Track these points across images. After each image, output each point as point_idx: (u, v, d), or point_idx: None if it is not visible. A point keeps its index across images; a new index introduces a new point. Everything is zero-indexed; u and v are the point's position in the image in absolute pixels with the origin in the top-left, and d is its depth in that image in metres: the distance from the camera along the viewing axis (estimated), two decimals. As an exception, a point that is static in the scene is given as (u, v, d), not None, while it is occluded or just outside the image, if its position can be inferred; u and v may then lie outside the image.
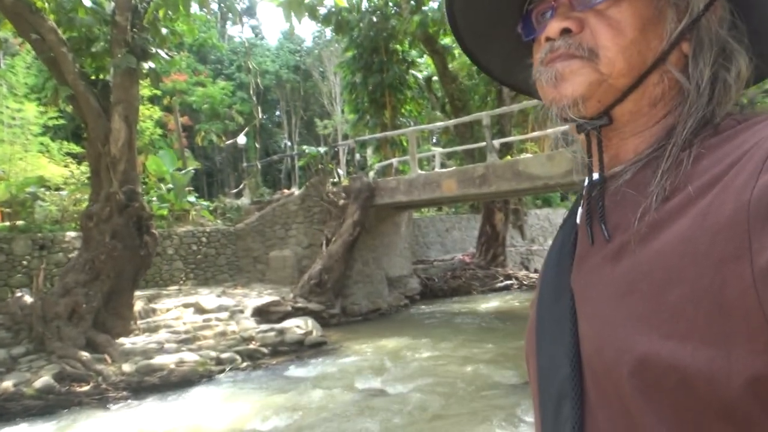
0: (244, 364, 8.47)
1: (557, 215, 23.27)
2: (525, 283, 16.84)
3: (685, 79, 0.58)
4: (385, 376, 7.70)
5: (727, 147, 0.52)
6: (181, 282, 12.91)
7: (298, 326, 10.03)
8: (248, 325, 9.62)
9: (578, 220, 0.67)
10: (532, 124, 21.32)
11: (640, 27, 0.58)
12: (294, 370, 8.31)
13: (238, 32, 44.24)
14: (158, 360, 7.72)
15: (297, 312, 11.00)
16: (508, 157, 13.51)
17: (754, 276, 0.42)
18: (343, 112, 28.98)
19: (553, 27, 0.61)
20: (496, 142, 12.68)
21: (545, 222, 22.52)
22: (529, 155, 13.46)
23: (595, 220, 0.61)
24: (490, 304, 14.10)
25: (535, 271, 18.90)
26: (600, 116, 0.61)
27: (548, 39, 0.63)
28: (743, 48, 0.58)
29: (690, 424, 0.47)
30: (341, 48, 22.34)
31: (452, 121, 14.80)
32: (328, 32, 30.14)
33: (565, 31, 0.61)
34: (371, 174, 15.53)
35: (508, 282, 16.65)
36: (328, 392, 7.06)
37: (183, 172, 15.15)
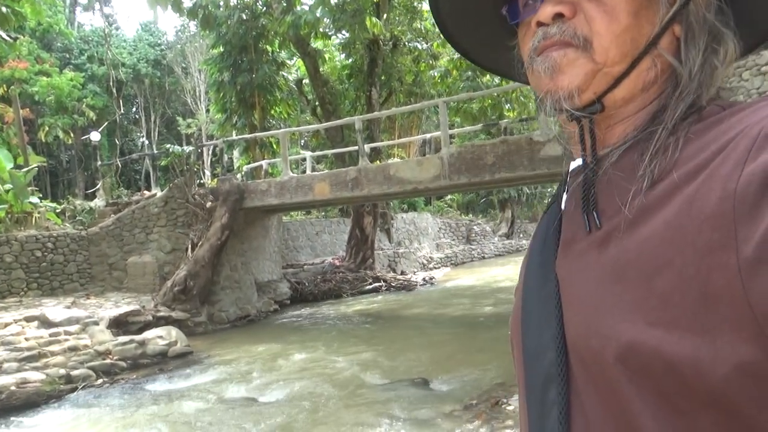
0: (100, 380, 7.76)
1: (422, 219, 24.18)
2: (393, 284, 17.26)
3: (678, 62, 0.58)
4: (256, 384, 7.47)
5: (713, 133, 0.52)
6: (22, 293, 11.52)
7: (160, 337, 9.40)
8: (104, 337, 8.81)
9: (563, 206, 0.66)
10: (399, 130, 22.01)
11: (634, 12, 0.57)
12: (157, 384, 7.76)
13: (90, 20, 40.71)
14: (-5, 381, 6.82)
15: (159, 321, 10.31)
16: (378, 162, 13.79)
17: (739, 265, 0.43)
18: (208, 111, 27.80)
19: (546, 11, 0.59)
20: (367, 147, 12.87)
21: (411, 225, 23.26)
22: (398, 160, 13.84)
23: (578, 206, 0.61)
24: (360, 306, 14.27)
25: (402, 273, 19.47)
26: (593, 104, 0.60)
27: (540, 24, 0.61)
28: (730, 31, 0.58)
29: (676, 410, 0.47)
30: (207, 44, 21.43)
31: (324, 124, 14.79)
32: (193, 26, 28.76)
33: (558, 16, 0.59)
34: (239, 176, 15.03)
35: (377, 284, 16.96)
36: (197, 405, 6.69)
37: (25, 170, 13.56)
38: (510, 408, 5.80)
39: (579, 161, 0.65)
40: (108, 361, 8.23)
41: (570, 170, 0.68)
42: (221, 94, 18.14)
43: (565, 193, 0.67)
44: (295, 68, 21.54)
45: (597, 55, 0.58)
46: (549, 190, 33.98)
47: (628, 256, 0.52)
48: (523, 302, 0.68)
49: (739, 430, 0.44)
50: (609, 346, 0.51)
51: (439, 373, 7.51)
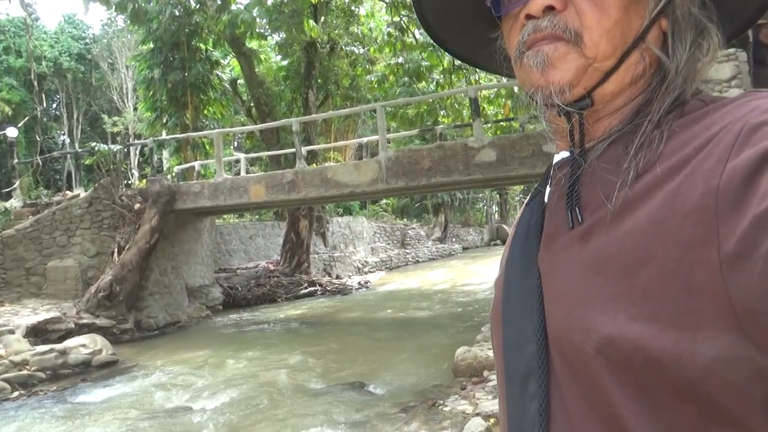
0: (16, 393, 7.26)
1: (357, 223, 24.20)
2: (329, 288, 17.15)
3: (665, 56, 0.58)
4: (189, 393, 7.21)
5: (696, 128, 0.52)
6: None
7: (83, 345, 8.91)
8: (20, 347, 8.26)
9: (546, 199, 0.66)
10: (335, 134, 21.94)
11: (624, 6, 0.57)
12: (81, 395, 7.34)
13: (6, 9, 38.27)
14: None
15: (82, 329, 9.78)
16: (314, 165, 13.69)
17: (720, 260, 0.43)
18: (136, 109, 26.71)
19: (537, 3, 0.58)
20: (304, 150, 12.76)
21: (346, 229, 23.23)
22: (334, 163, 13.79)
23: (561, 200, 0.61)
24: (295, 310, 14.08)
25: (338, 277, 19.40)
26: (583, 99, 0.60)
27: (529, 16, 0.60)
28: (714, 25, 0.58)
29: (656, 403, 0.48)
30: (136, 40, 20.60)
31: (260, 126, 14.54)
32: (121, 21, 27.57)
33: (549, 9, 0.58)
34: (169, 177, 14.52)
35: (312, 288, 16.81)
36: (124, 416, 6.38)
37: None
38: (447, 409, 5.88)
39: (563, 154, 0.66)
40: (25, 372, 7.72)
41: (554, 163, 0.67)
42: (151, 92, 17.46)
43: (548, 186, 0.66)
44: (230, 68, 21.06)
45: (588, 50, 0.57)
46: (480, 195, 34.86)
47: (610, 250, 0.52)
48: (504, 295, 0.68)
49: (716, 421, 0.46)
50: (590, 340, 0.51)
51: (376, 375, 7.52)
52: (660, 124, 0.55)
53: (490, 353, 7.33)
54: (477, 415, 5.50)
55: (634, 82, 0.59)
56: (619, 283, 0.50)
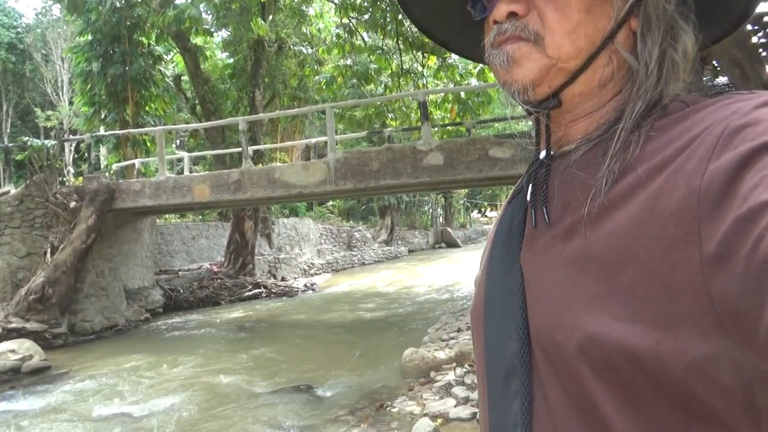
0: (-64, 402, 6.80)
1: (303, 225, 23.98)
2: (274, 291, 16.90)
3: (633, 58, 0.58)
4: (125, 400, 6.93)
5: (677, 129, 0.53)
6: None
7: (12, 350, 8.45)
8: (-59, 353, 7.76)
9: (528, 198, 0.66)
10: (281, 134, 21.68)
11: (586, 8, 0.58)
12: (9, 404, 6.94)
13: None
14: None
15: (11, 334, 9.27)
16: (260, 165, 13.47)
17: (702, 261, 0.44)
18: (71, 103, 25.54)
19: (501, 10, 0.61)
20: (250, 149, 12.54)
21: (292, 231, 22.98)
22: (281, 164, 13.62)
23: (539, 200, 0.62)
24: (239, 313, 13.80)
25: (283, 279, 19.16)
26: (549, 99, 0.61)
27: (496, 22, 0.62)
28: (690, 24, 0.57)
29: (638, 401, 0.49)
30: (73, 31, 19.71)
31: (206, 124, 14.18)
32: (57, 10, 26.32)
33: (512, 15, 0.60)
34: (107, 175, 13.95)
35: (257, 291, 16.52)
36: (57, 425, 6.07)
37: None
38: (395, 410, 5.89)
39: (543, 153, 0.66)
40: (-54, 380, 7.24)
41: (536, 162, 0.68)
42: (89, 86, 16.74)
43: (531, 185, 0.67)
44: (173, 63, 20.47)
45: (549, 50, 0.58)
46: (426, 198, 35.24)
47: (592, 250, 0.53)
48: (486, 293, 0.68)
49: (699, 419, 0.47)
50: (573, 339, 0.52)
51: (323, 378, 7.46)
52: (639, 126, 0.55)
53: (437, 354, 7.40)
54: (425, 415, 5.53)
55: (603, 84, 0.60)
56: (602, 282, 0.51)
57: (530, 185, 0.67)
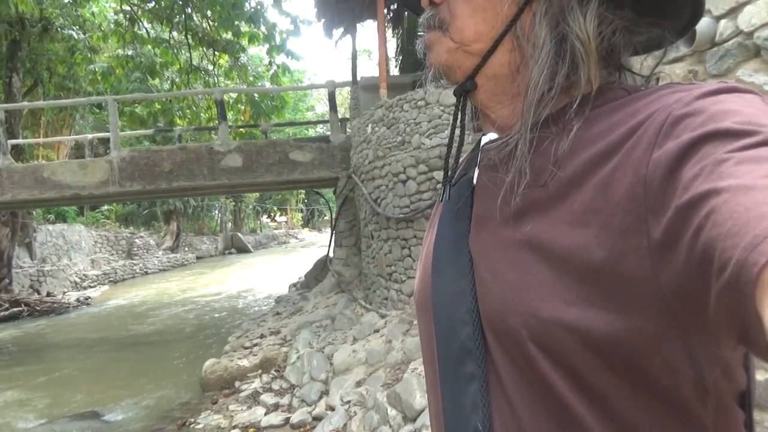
0: None
1: (73, 231, 21.21)
2: (38, 308, 14.61)
3: (529, 43, 0.59)
4: None
5: (620, 114, 0.54)
6: None
7: None
8: None
9: (475, 180, 0.67)
10: (45, 128, 18.99)
11: None
12: None
13: None
14: None
15: None
16: (20, 163, 11.60)
17: (650, 249, 0.46)
18: None
19: (423, 0, 0.66)
20: (8, 143, 10.72)
21: (59, 239, 20.18)
22: (48, 161, 11.87)
23: (485, 184, 0.64)
24: (-6, 337, 11.68)
25: (49, 294, 16.71)
26: (466, 81, 0.65)
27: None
28: (592, 9, 0.56)
29: (593, 381, 0.51)
30: None
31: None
32: None
33: (432, 4, 0.65)
34: None
35: (17, 309, 14.11)
36: None
37: None
38: (200, 426, 5.53)
39: (491, 135, 0.67)
40: None
41: (482, 145, 0.69)
42: None
43: (477, 167, 0.68)
44: None
45: (453, 35, 0.63)
46: (215, 203, 33.82)
47: (544, 236, 0.54)
48: (434, 278, 0.67)
49: (648, 393, 0.50)
50: (526, 323, 0.53)
51: (111, 402, 6.68)
52: (583, 110, 0.56)
53: (241, 362, 7.10)
54: (234, 428, 5.31)
55: (516, 68, 0.62)
56: (554, 268, 0.52)
57: (476, 169, 0.68)
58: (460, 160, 0.74)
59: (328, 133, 10.23)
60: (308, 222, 52.74)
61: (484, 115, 0.68)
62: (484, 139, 0.69)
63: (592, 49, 0.56)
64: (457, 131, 0.71)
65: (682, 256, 0.42)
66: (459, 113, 0.68)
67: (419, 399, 3.89)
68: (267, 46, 14.37)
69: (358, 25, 10.55)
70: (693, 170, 0.43)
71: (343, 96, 22.36)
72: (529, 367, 0.54)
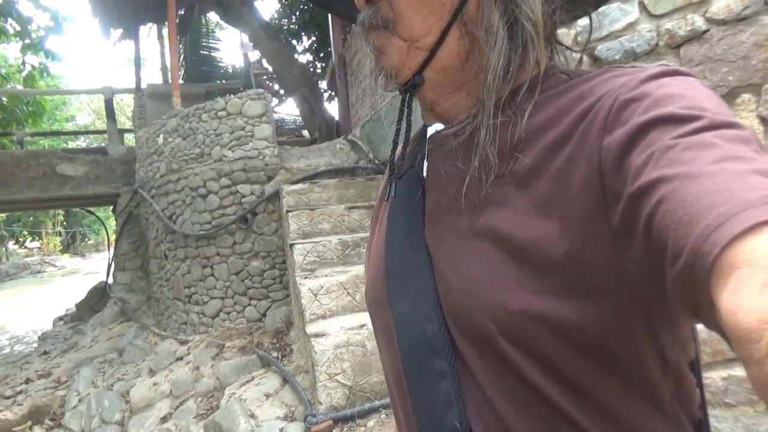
0: None
1: None
2: None
3: (479, 29, 0.58)
4: None
5: (566, 99, 0.54)
6: None
7: None
8: None
9: (425, 174, 0.65)
10: None
11: None
12: None
13: None
14: None
15: None
16: None
17: (612, 235, 0.47)
18: None
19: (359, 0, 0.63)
20: None
21: None
22: None
23: (436, 177, 0.63)
24: None
25: None
26: (410, 80, 0.62)
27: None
28: None
29: (563, 368, 0.52)
30: None
31: None
32: None
33: (370, 2, 0.62)
34: None
35: None
36: None
37: None
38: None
39: (437, 126, 0.66)
40: None
41: (428, 137, 0.67)
42: None
43: (425, 160, 0.66)
44: None
45: (402, 33, 0.60)
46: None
47: (505, 228, 0.54)
48: (388, 275, 0.65)
49: (616, 372, 0.52)
50: (494, 317, 0.53)
51: None
52: (530, 96, 0.56)
53: (4, 415, 5.88)
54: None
55: (465, 58, 0.60)
56: (517, 260, 0.52)
57: (424, 161, 0.66)
58: (396, 154, 0.73)
59: (104, 144, 9.16)
60: (68, 247, 46.40)
61: (429, 109, 0.66)
62: (430, 131, 0.67)
63: (540, 30, 0.56)
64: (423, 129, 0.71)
65: (639, 242, 0.43)
66: (405, 110, 0.65)
67: (244, 425, 3.60)
68: (21, 43, 12.38)
69: (142, 28, 9.69)
70: (642, 157, 0.44)
71: (118, 105, 20.30)
72: (501, 360, 0.53)
